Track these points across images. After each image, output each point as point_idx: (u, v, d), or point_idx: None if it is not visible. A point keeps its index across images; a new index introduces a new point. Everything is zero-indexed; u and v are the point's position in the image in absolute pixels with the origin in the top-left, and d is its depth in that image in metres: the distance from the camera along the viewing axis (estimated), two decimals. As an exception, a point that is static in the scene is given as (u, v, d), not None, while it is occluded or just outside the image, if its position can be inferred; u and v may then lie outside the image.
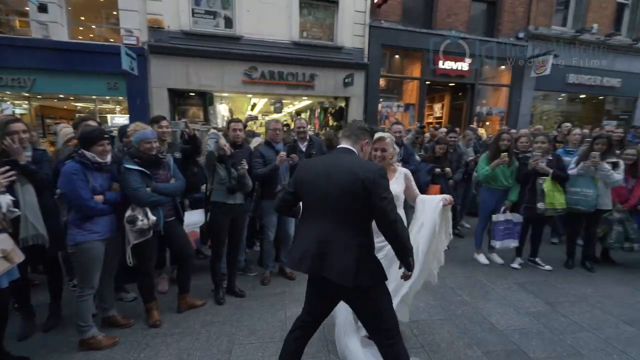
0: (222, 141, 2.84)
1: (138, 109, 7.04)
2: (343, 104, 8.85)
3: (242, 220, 3.12)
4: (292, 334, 1.75)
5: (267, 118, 9.13)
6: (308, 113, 10.70)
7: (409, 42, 8.59)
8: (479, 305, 2.96)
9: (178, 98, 7.70)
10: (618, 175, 3.41)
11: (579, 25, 10.08)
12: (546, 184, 3.43)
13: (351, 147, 1.67)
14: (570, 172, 3.61)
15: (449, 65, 8.96)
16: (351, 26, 8.22)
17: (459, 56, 8.98)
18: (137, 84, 7.01)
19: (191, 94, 7.77)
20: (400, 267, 1.66)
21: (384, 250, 2.04)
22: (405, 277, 1.72)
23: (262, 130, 7.29)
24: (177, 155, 3.17)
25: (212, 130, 2.99)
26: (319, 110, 9.70)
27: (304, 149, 3.75)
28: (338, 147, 1.72)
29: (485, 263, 3.90)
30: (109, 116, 7.80)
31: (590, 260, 3.80)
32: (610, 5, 10.37)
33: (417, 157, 4.49)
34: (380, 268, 1.62)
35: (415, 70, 9.11)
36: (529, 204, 3.58)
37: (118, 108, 8.14)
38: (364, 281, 1.52)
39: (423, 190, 3.98)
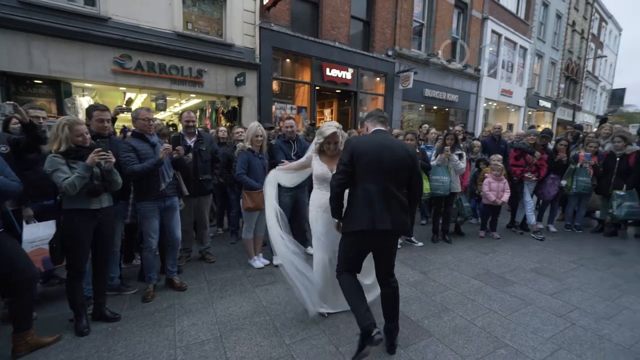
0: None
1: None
2: (236, 104, 8.69)
3: (111, 228, 2.64)
4: (349, 275, 2.29)
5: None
6: (199, 113, 10.04)
7: (298, 48, 9.14)
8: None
9: (16, 86, 6.06)
10: (463, 164, 4.52)
11: (429, 50, 12.75)
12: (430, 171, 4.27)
13: (385, 129, 2.27)
14: (431, 163, 4.56)
15: (335, 73, 9.93)
16: (241, 25, 8.20)
17: (343, 65, 10.07)
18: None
19: (37, 81, 6.23)
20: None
21: None
22: None
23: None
24: (3, 149, 2.53)
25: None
26: (210, 109, 9.22)
27: (191, 144, 3.58)
28: (377, 129, 2.26)
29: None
30: None
31: (448, 234, 4.86)
32: (447, 38, 13.51)
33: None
34: None
35: (306, 75, 9.74)
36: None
37: None
38: (409, 230, 2.32)
39: None
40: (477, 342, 2.45)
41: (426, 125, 6.44)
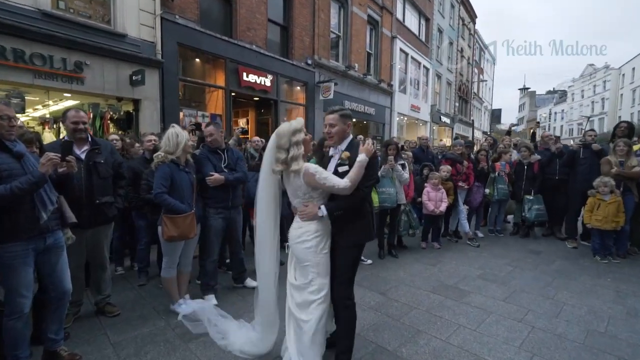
0: None
1: None
2: (131, 108, 7.49)
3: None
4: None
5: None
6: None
7: (210, 47, 8.51)
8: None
9: None
10: (406, 174, 4.67)
11: (347, 63, 13.55)
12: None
13: None
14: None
15: (253, 78, 9.57)
16: (137, 12, 7.19)
17: (262, 71, 9.79)
18: None
19: None
20: None
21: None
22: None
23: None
24: None
25: None
26: (90, 114, 7.72)
27: (81, 155, 2.76)
28: None
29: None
30: None
31: (394, 247, 4.93)
32: (363, 52, 14.66)
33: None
34: None
35: (220, 79, 9.11)
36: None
37: None
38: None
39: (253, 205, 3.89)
40: (460, 366, 2.38)
41: (360, 137, 6.62)
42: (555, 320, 3.09)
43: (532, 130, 8.58)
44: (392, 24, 16.37)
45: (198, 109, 8.81)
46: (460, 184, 5.49)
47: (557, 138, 6.47)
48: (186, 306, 3.05)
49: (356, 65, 13.93)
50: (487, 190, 5.85)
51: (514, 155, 6.56)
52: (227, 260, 4.25)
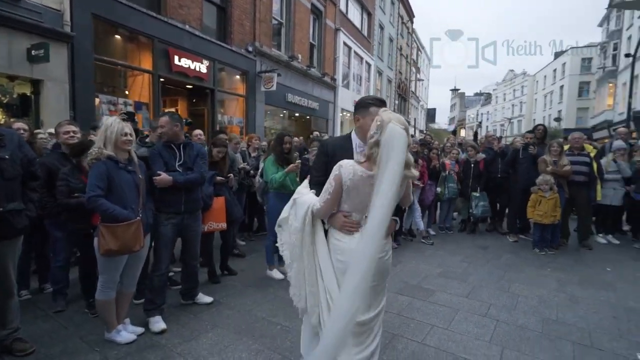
0: None
1: None
2: (29, 91, 6.37)
3: None
4: None
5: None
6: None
7: (134, 23, 7.64)
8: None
9: None
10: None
11: (290, 53, 13.37)
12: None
13: None
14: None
15: (186, 63, 8.87)
16: (36, -29, 6.12)
17: (196, 55, 9.12)
18: None
19: None
20: None
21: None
22: None
23: None
24: None
25: None
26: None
27: None
28: None
29: (280, 277, 4.06)
30: None
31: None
32: (306, 42, 14.61)
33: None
34: None
35: (146, 61, 8.26)
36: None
37: None
38: None
39: (207, 205, 3.56)
40: (439, 371, 2.43)
41: (317, 133, 6.54)
42: (515, 312, 3.35)
43: (474, 131, 9.39)
44: (335, 15, 16.61)
45: (119, 95, 7.87)
46: (415, 182, 5.72)
47: (500, 138, 7.16)
48: (127, 333, 2.62)
49: (299, 56, 13.82)
50: (438, 189, 6.20)
51: (461, 155, 7.09)
52: (171, 274, 3.83)
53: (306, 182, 2.12)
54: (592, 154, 5.83)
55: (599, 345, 2.81)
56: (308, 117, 15.88)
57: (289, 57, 13.08)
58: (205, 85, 9.69)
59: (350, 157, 2.00)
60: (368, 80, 21.63)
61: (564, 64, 37.21)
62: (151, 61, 8.22)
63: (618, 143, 6.13)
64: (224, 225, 3.81)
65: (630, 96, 14.03)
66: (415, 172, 1.82)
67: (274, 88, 11.59)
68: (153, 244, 3.00)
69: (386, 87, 25.09)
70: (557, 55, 39.46)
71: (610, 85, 27.48)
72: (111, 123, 2.50)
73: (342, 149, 2.13)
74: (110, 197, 2.40)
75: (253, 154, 5.76)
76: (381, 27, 23.40)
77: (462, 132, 59.86)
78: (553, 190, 5.20)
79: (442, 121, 58.23)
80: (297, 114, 15.20)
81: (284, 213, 2.01)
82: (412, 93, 33.12)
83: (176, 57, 8.60)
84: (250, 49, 11.14)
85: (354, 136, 2.17)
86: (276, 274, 4.14)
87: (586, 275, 4.41)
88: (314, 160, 2.59)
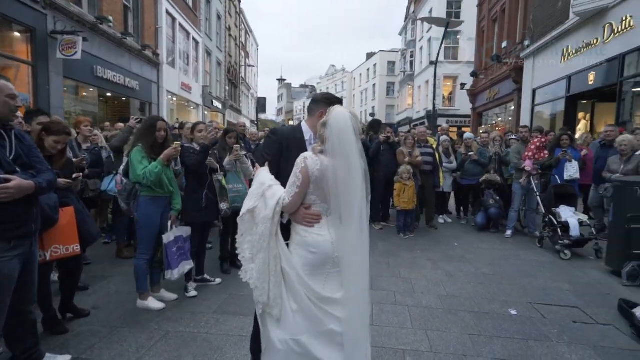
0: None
1: None
2: None
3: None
4: None
5: None
6: None
7: None
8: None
9: None
10: (252, 167, 4.47)
11: (96, 13, 11.17)
12: (225, 180, 3.69)
13: None
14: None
15: None
16: None
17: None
18: None
19: None
20: None
21: None
22: None
23: None
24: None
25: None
26: None
27: None
28: None
29: (159, 308, 3.43)
30: None
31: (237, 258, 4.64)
32: (119, 2, 12.53)
33: None
34: None
35: None
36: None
37: None
38: None
39: (53, 220, 2.65)
40: None
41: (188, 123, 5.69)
42: (416, 295, 3.93)
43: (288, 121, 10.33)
44: (155, -25, 14.91)
45: None
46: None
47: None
48: None
49: (111, 18, 11.70)
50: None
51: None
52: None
53: (266, 168, 2.11)
54: (434, 146, 7.38)
55: (484, 310, 3.64)
56: (124, 98, 13.75)
57: (97, 19, 10.91)
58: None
59: (303, 148, 2.15)
60: (196, 60, 20.50)
61: (375, 65, 45.28)
62: None
63: (444, 137, 8.01)
64: (76, 247, 2.89)
65: (434, 98, 18.32)
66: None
67: (78, 56, 9.46)
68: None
69: (216, 70, 24.39)
70: (369, 56, 47.85)
71: (409, 87, 35.32)
72: None
73: (295, 139, 2.26)
74: None
75: (85, 145, 4.58)
76: (208, 1, 22.49)
77: (291, 124, 64.88)
78: (412, 179, 6.33)
79: (269, 112, 61.16)
80: (109, 94, 12.92)
81: (251, 203, 1.98)
82: (242, 79, 33.38)
83: None
84: (37, -3, 8.69)
85: (305, 127, 2.30)
86: (153, 302, 3.45)
87: (445, 252, 5.59)
88: (265, 149, 2.50)
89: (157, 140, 3.41)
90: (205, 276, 4.12)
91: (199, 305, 3.60)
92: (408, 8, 37.00)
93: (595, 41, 10.06)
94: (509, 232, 6.59)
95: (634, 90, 9.18)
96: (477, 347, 2.95)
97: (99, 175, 4.79)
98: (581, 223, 5.46)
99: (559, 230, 5.50)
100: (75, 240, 2.89)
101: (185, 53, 18.86)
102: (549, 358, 2.82)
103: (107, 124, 8.68)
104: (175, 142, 3.44)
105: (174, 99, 17.91)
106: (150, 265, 3.46)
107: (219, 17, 24.82)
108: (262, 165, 2.15)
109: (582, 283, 4.42)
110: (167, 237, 3.45)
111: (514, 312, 3.59)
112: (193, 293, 3.79)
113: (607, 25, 9.56)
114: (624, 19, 8.90)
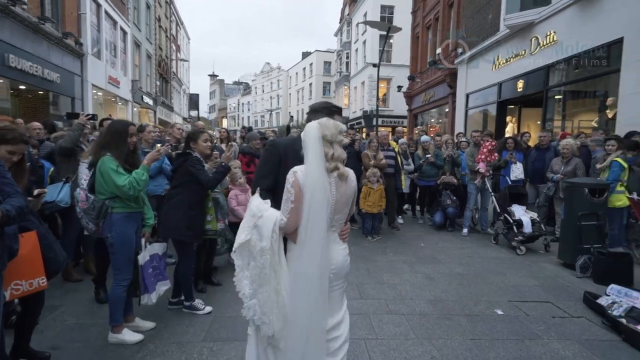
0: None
1: None
2: None
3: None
4: None
5: None
6: None
7: None
8: None
9: None
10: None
11: (7, -9, 9.62)
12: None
13: None
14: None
15: None
16: None
17: None
18: None
19: None
20: None
21: None
22: None
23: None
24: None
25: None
26: None
27: None
28: None
29: (137, 340, 3.00)
30: None
31: (213, 272, 4.28)
32: (36, -18, 10.95)
33: None
34: None
35: None
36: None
37: None
38: None
39: (13, 251, 2.17)
40: None
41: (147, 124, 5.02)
42: (408, 302, 3.93)
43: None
44: (77, -45, 13.31)
45: None
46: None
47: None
48: None
49: (25, 0, 10.19)
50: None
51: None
52: None
53: (257, 194, 1.98)
54: (396, 149, 7.53)
55: (473, 312, 3.76)
56: (42, 92, 12.09)
57: (8, 0, 9.40)
58: None
59: (301, 160, 2.00)
60: (124, 52, 18.79)
61: (311, 64, 45.52)
62: None
63: (403, 140, 8.24)
64: (42, 281, 2.38)
65: (377, 98, 18.83)
66: (343, 169, 1.91)
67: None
68: None
69: (146, 64, 22.61)
70: (305, 55, 48.01)
71: (346, 87, 36.11)
72: None
73: (293, 151, 2.13)
74: None
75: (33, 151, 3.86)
76: (136, -12, 20.73)
77: (224, 122, 62.66)
78: (379, 182, 6.38)
79: (202, 109, 58.57)
80: (22, 87, 11.26)
81: (243, 236, 1.88)
82: (174, 74, 31.40)
83: None
84: None
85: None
86: (129, 335, 3.00)
87: (415, 253, 5.72)
88: (262, 164, 2.39)
89: (129, 148, 2.98)
90: (194, 303, 3.64)
91: (183, 333, 3.21)
92: (343, 10, 37.77)
93: (523, 52, 11.08)
94: (465, 231, 6.97)
95: (556, 97, 10.31)
96: (483, 352, 3.02)
97: (35, 184, 4.08)
98: (533, 221, 5.95)
99: (514, 227, 5.94)
100: (40, 272, 2.39)
101: (112, 44, 17.15)
102: (547, 357, 2.98)
103: (20, 120, 7.50)
104: (157, 145, 3.05)
105: (100, 93, 16.22)
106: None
107: (148, 6, 23.00)
108: (253, 191, 2.05)
109: (543, 277, 4.79)
110: (143, 257, 3.06)
111: (500, 312, 3.76)
112: (208, 309, 3.59)
113: (533, 39, 10.57)
114: (549, 34, 9.91)
